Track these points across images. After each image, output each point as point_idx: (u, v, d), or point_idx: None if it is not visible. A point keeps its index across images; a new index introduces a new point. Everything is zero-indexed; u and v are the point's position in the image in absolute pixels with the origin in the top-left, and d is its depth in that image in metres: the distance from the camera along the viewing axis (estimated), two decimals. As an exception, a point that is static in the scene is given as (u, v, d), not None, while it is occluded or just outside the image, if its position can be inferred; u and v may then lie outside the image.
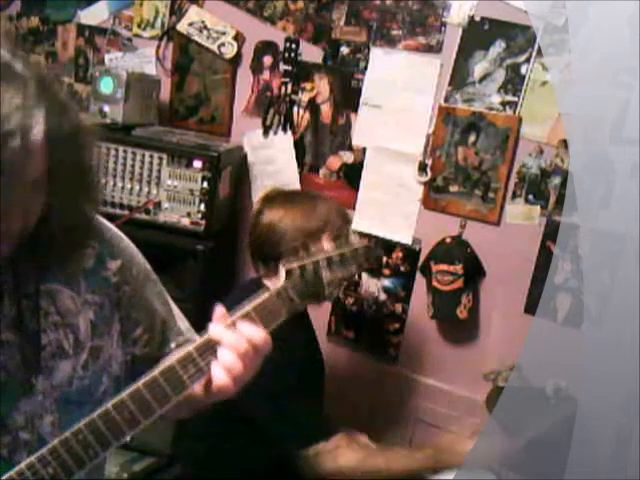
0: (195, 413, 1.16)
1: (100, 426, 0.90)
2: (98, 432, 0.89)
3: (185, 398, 0.99)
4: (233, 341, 0.95)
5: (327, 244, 0.94)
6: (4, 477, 0.88)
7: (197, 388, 1.00)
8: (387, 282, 2.42)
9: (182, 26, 2.55)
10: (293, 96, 2.47)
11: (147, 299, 1.12)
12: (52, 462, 0.88)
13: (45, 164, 0.84)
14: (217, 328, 0.96)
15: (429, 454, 1.78)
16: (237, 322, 0.96)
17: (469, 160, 2.23)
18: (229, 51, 2.51)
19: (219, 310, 0.98)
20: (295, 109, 2.47)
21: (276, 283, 0.98)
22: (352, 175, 2.41)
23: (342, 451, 1.70)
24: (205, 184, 2.25)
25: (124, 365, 1.07)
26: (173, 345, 1.15)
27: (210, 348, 0.95)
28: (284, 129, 2.49)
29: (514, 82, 2.15)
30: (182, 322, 1.19)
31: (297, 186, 2.47)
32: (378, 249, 1.05)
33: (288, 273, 0.97)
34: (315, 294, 0.98)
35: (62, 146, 0.86)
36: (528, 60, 2.13)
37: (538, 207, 2.18)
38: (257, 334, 0.96)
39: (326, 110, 2.43)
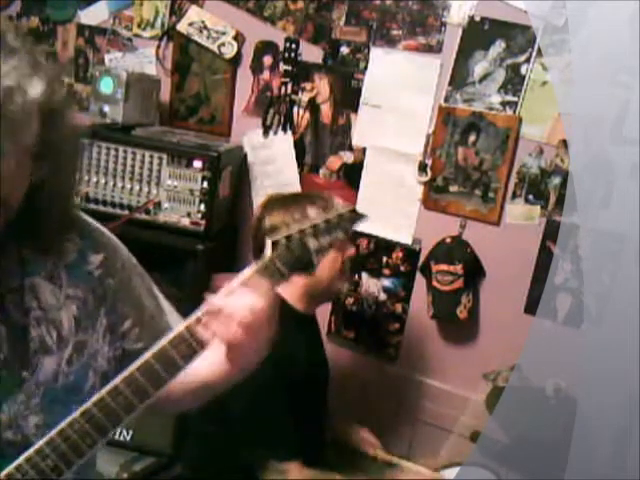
0: (204, 401, 1.16)
1: (96, 413, 0.90)
2: (94, 419, 0.90)
3: (193, 385, 1.02)
4: (230, 306, 0.94)
5: (312, 212, 0.90)
6: (3, 472, 0.88)
7: (203, 370, 1.02)
8: (387, 282, 2.42)
9: (182, 26, 2.55)
10: (293, 96, 2.47)
11: (133, 292, 1.11)
12: (50, 454, 0.89)
13: (37, 132, 0.85)
14: (212, 299, 0.95)
15: None
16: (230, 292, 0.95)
17: (469, 160, 2.23)
18: (229, 51, 2.51)
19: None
20: (295, 109, 2.47)
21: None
22: (352, 175, 2.41)
23: (290, 474, 1.69)
24: (205, 184, 2.25)
25: (113, 361, 1.07)
26: None
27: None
28: (284, 129, 2.49)
29: (514, 82, 2.15)
30: (172, 316, 1.18)
31: (297, 186, 2.47)
32: (363, 214, 1.02)
33: (274, 245, 0.95)
34: (303, 264, 0.96)
35: (53, 117, 0.87)
36: (528, 60, 2.13)
37: (538, 207, 2.18)
38: (251, 300, 0.95)
39: (326, 110, 2.43)
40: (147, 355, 0.93)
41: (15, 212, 0.90)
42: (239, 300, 0.94)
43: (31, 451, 0.89)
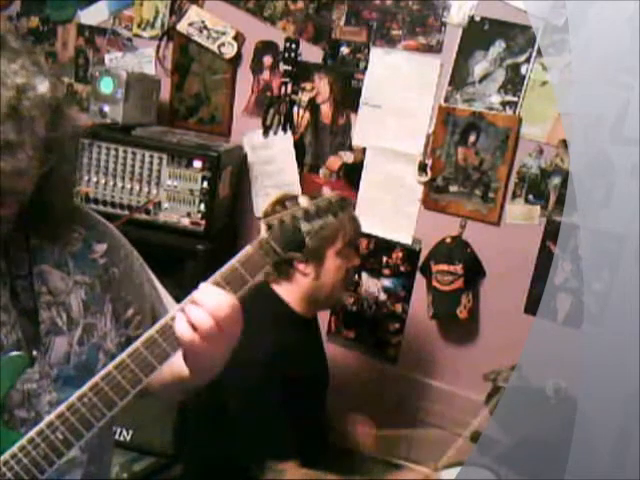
0: (188, 394, 1.21)
1: (104, 387, 0.95)
2: (102, 393, 0.95)
3: (171, 376, 1.08)
4: (196, 312, 0.97)
5: (303, 199, 1.01)
6: (16, 445, 0.93)
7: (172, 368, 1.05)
8: (387, 282, 2.42)
9: (182, 26, 2.55)
10: (293, 96, 2.47)
11: (136, 282, 1.16)
12: (60, 426, 0.93)
13: (46, 128, 0.91)
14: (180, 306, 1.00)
15: None
16: (198, 295, 1.00)
17: (469, 160, 2.23)
18: (229, 51, 2.51)
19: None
20: (295, 109, 2.47)
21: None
22: (352, 175, 2.41)
23: (287, 473, 1.69)
24: (205, 184, 2.25)
25: (120, 346, 1.11)
26: None
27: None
28: (284, 129, 2.49)
29: (514, 82, 2.15)
30: (172, 307, 1.20)
31: (297, 186, 2.47)
32: (350, 200, 1.14)
33: (268, 226, 1.03)
34: (296, 244, 1.04)
35: (58, 112, 0.93)
36: (528, 60, 2.13)
37: (538, 207, 2.18)
38: (221, 300, 0.99)
39: (326, 110, 2.43)
40: (151, 330, 0.98)
41: (26, 203, 0.96)
42: (215, 294, 1.00)
43: (42, 424, 0.93)
